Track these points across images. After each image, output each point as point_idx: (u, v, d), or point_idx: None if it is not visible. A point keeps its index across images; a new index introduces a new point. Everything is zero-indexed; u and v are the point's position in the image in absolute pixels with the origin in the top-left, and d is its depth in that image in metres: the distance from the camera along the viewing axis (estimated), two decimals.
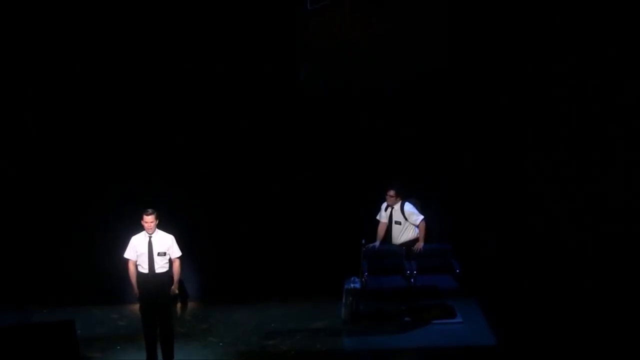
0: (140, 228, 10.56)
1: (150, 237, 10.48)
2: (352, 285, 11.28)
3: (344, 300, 11.32)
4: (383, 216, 11.71)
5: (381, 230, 11.70)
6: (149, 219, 10.42)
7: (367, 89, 11.66)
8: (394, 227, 11.63)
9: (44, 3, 11.56)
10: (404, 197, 11.59)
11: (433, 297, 11.52)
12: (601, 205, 11.13)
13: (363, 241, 11.47)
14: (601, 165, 11.15)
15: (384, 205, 11.68)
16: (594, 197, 11.19)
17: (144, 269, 10.48)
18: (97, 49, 11.69)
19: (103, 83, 11.83)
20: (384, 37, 11.46)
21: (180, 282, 11.04)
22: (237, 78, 11.87)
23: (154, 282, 10.46)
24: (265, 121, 11.93)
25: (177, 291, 10.72)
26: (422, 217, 11.42)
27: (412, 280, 11.31)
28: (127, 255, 10.59)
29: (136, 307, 11.08)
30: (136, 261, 10.52)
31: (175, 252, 10.62)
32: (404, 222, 11.59)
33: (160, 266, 10.50)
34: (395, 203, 11.57)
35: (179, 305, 12.19)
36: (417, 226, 11.44)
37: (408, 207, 11.54)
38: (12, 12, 11.43)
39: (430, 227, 11.74)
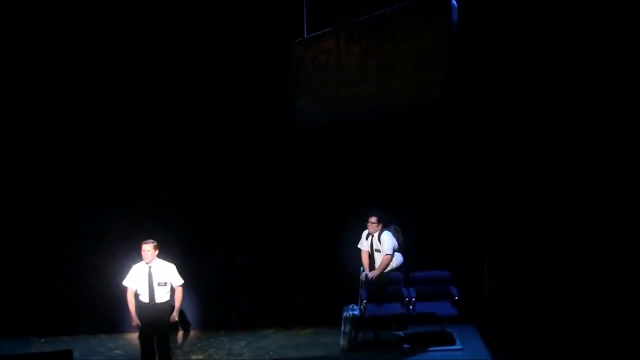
0: (141, 256, 10.67)
1: (149, 267, 10.56)
2: (350, 312, 11.30)
3: (342, 328, 11.32)
4: (364, 244, 11.66)
5: (365, 259, 11.66)
6: (146, 248, 10.52)
7: (360, 119, 11.30)
8: (376, 255, 11.56)
9: None
10: (385, 225, 11.53)
11: (432, 323, 11.49)
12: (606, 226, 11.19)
13: (362, 269, 11.62)
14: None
15: (365, 233, 11.63)
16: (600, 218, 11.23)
17: (144, 298, 10.55)
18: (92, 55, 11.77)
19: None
20: (379, 66, 10.92)
21: (182, 310, 11.22)
22: (231, 106, 11.97)
23: (153, 311, 10.51)
24: (259, 149, 12.05)
25: (177, 319, 10.75)
26: (389, 252, 11.31)
27: (410, 307, 11.27)
28: (126, 282, 10.64)
29: (133, 336, 11.08)
30: (136, 290, 10.57)
31: (177, 280, 10.71)
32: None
33: (161, 296, 10.59)
34: (376, 230, 11.51)
35: (180, 333, 12.22)
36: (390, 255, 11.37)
37: (384, 235, 11.47)
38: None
39: (425, 253, 11.85)
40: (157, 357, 10.51)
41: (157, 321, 10.48)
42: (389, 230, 11.52)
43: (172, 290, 10.67)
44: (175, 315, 10.65)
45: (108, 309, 12.01)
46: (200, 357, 11.48)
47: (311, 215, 12.21)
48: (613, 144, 11.25)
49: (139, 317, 10.51)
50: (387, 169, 12.00)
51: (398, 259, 11.57)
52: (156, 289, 10.51)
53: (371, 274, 11.36)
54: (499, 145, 11.65)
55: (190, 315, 12.37)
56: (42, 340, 11.97)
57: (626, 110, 11.11)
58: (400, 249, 11.57)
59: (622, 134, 11.15)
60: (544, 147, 11.55)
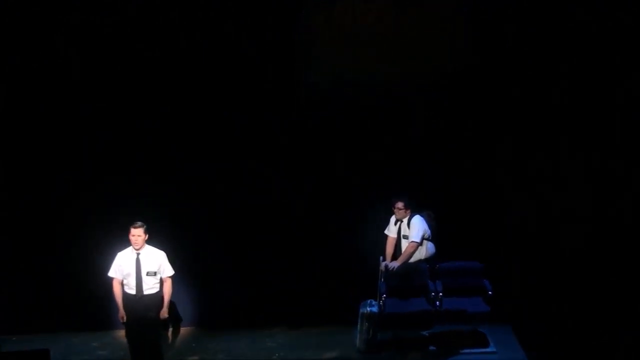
0: (127, 243, 10.37)
1: (138, 254, 10.30)
2: (368, 309, 11.00)
3: (359, 327, 11.05)
4: (392, 230, 11.42)
5: (389, 246, 11.40)
6: (136, 233, 10.21)
7: (376, 90, 11.49)
8: (403, 242, 11.30)
9: None
10: (414, 210, 11.25)
11: (462, 322, 11.19)
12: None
13: (381, 258, 11.20)
14: None
15: (393, 218, 11.41)
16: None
17: (131, 289, 10.30)
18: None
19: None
20: (398, 32, 11.39)
21: (172, 304, 10.97)
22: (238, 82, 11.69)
23: (142, 305, 10.28)
24: (267, 134, 11.79)
25: (167, 315, 10.51)
26: (416, 239, 11.04)
27: (437, 303, 10.99)
28: (111, 273, 10.40)
29: (120, 333, 11.03)
30: (122, 280, 10.35)
31: (167, 270, 10.45)
32: None
33: (150, 287, 10.32)
34: (404, 216, 11.24)
35: (170, 330, 11.89)
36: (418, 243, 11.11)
37: (415, 220, 11.19)
38: None
39: (454, 242, 11.43)
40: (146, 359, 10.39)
41: (146, 317, 10.28)
42: (421, 216, 11.22)
43: (162, 282, 10.43)
44: (165, 311, 10.42)
45: (91, 304, 11.71)
46: (196, 358, 11.23)
47: (325, 200, 11.94)
48: None
49: (125, 311, 10.33)
50: (412, 150, 11.78)
51: (429, 248, 11.27)
52: (145, 279, 10.26)
53: (392, 264, 11.05)
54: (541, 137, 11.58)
55: (182, 310, 11.96)
56: (14, 338, 11.60)
57: None
58: (432, 237, 11.28)
59: None
60: (592, 141, 11.49)
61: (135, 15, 11.30)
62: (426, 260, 11.20)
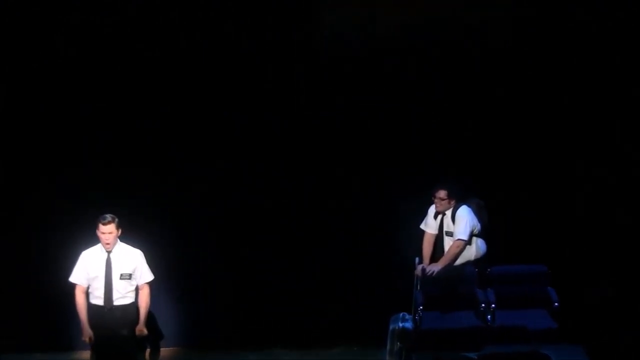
0: (95, 240, 9.53)
1: (108, 254, 9.45)
2: (400, 324, 10.07)
3: (388, 347, 10.13)
4: (430, 225, 10.52)
5: (427, 245, 10.54)
6: (106, 230, 9.40)
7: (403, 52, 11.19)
8: (446, 240, 10.43)
9: None
10: (459, 200, 10.42)
11: (520, 341, 10.10)
12: None
13: (417, 260, 10.34)
14: None
15: (432, 209, 10.49)
16: None
17: (99, 299, 9.41)
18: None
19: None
20: None
21: (152, 318, 10.09)
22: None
23: (112, 319, 9.42)
24: (267, 134, 11.58)
25: (145, 332, 9.65)
26: (463, 237, 10.22)
27: (488, 317, 10.11)
28: (73, 278, 9.50)
29: (84, 355, 10.29)
30: (87, 288, 9.49)
31: (145, 275, 9.58)
32: None
33: (122, 295, 9.42)
34: (447, 208, 10.32)
35: (148, 352, 10.84)
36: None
37: (461, 212, 10.32)
38: None
39: (510, 239, 10.69)
40: None
41: (116, 333, 9.43)
42: (469, 207, 10.37)
43: (137, 289, 9.66)
44: (142, 326, 9.53)
45: (46, 318, 11.10)
46: None
47: (346, 188, 11.51)
48: None
49: (92, 327, 9.42)
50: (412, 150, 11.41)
51: (479, 247, 10.35)
52: (116, 284, 9.39)
53: (431, 268, 10.14)
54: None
55: (164, 326, 11.02)
56: None
57: None
58: (483, 233, 10.41)
59: None
60: None
61: (135, 15, 11.46)
62: (475, 262, 10.38)
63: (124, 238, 9.62)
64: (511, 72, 11.42)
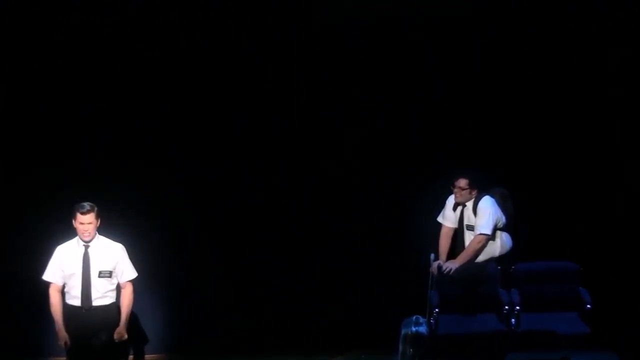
0: (72, 234, 8.90)
1: (86, 248, 8.86)
2: (413, 328, 9.37)
3: (400, 351, 9.43)
4: (448, 218, 9.99)
5: (445, 240, 9.99)
6: (86, 220, 8.80)
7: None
8: (467, 234, 9.88)
9: None
10: (481, 190, 9.87)
11: (548, 347, 9.55)
12: None
13: (432, 257, 9.70)
14: None
15: (450, 201, 9.95)
16: None
17: (76, 299, 8.84)
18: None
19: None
20: None
21: (135, 321, 9.56)
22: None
23: (90, 322, 8.81)
24: (267, 134, 11.60)
25: (125, 335, 9.03)
26: (485, 231, 9.62)
27: (512, 320, 9.57)
28: (47, 276, 8.95)
29: None
30: (63, 287, 8.93)
31: (127, 271, 9.00)
32: None
33: (102, 295, 8.83)
34: (468, 199, 9.79)
35: (131, 358, 10.25)
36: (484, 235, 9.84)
37: (484, 203, 9.75)
38: None
39: (538, 235, 10.40)
40: None
41: (95, 337, 8.77)
42: (492, 197, 9.79)
43: (119, 288, 9.13)
44: (122, 330, 8.88)
45: (16, 321, 10.85)
46: None
47: (346, 188, 11.44)
48: None
49: (68, 330, 8.81)
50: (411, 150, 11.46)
51: (504, 242, 9.76)
52: (95, 282, 8.83)
53: (448, 265, 9.58)
54: None
55: (150, 330, 10.55)
56: None
57: None
58: (508, 226, 9.81)
59: None
60: None
61: (135, 15, 11.67)
62: (498, 259, 9.78)
63: (105, 231, 9.05)
64: (511, 72, 11.41)
